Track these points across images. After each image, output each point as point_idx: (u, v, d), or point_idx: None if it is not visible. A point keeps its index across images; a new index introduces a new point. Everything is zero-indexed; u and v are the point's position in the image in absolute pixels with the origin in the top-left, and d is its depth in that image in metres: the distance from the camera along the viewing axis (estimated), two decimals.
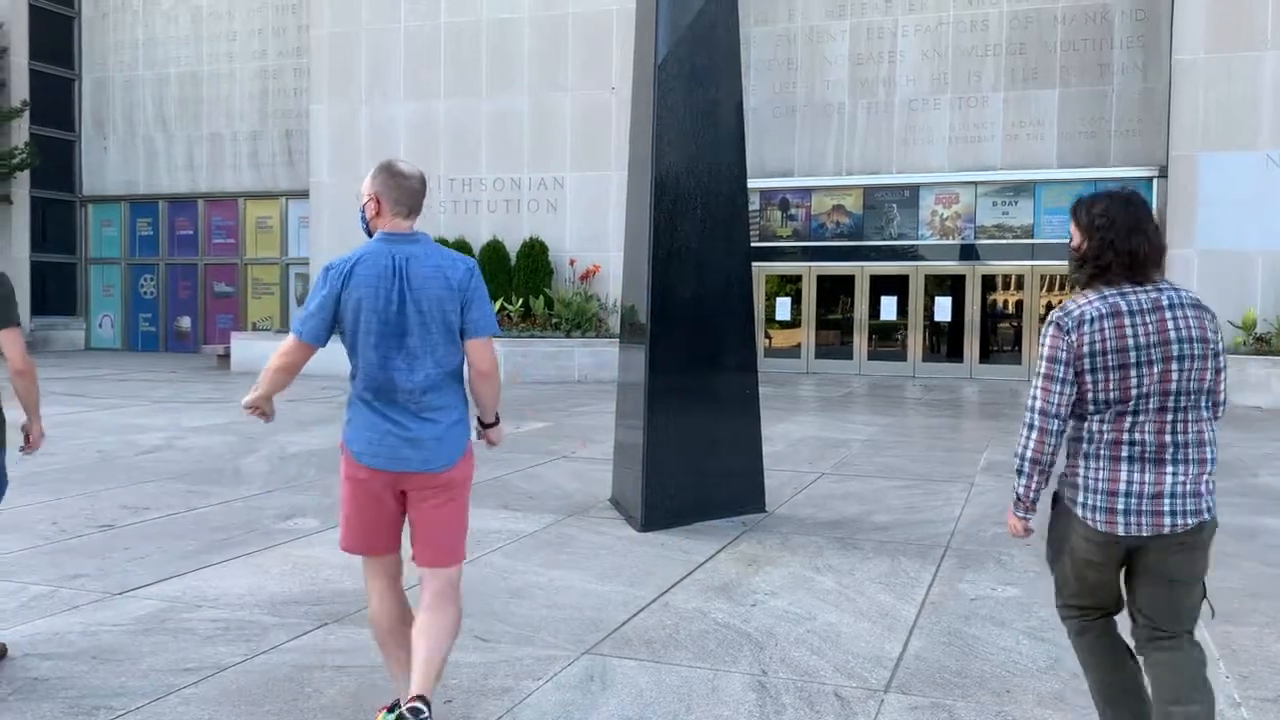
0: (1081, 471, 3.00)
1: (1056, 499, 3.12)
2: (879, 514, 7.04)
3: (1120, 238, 2.97)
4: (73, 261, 26.21)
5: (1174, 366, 2.90)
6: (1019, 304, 19.58)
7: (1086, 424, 2.98)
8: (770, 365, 19.70)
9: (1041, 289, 19.18)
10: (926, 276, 19.91)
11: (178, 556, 5.59)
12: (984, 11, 19.28)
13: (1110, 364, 2.91)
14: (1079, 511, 3.00)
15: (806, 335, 20.59)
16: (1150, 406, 2.92)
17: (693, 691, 3.84)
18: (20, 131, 23.91)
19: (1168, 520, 2.92)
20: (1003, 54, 19.19)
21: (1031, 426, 2.99)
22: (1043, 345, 3.01)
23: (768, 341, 20.63)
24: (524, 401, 13.82)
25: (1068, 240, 3.17)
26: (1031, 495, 3.07)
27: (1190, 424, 2.94)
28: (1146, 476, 2.93)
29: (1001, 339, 19.82)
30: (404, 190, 3.31)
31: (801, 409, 13.78)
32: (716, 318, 6.87)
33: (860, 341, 20.31)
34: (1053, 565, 3.21)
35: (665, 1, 6.67)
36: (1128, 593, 3.10)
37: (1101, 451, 2.96)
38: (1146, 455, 2.93)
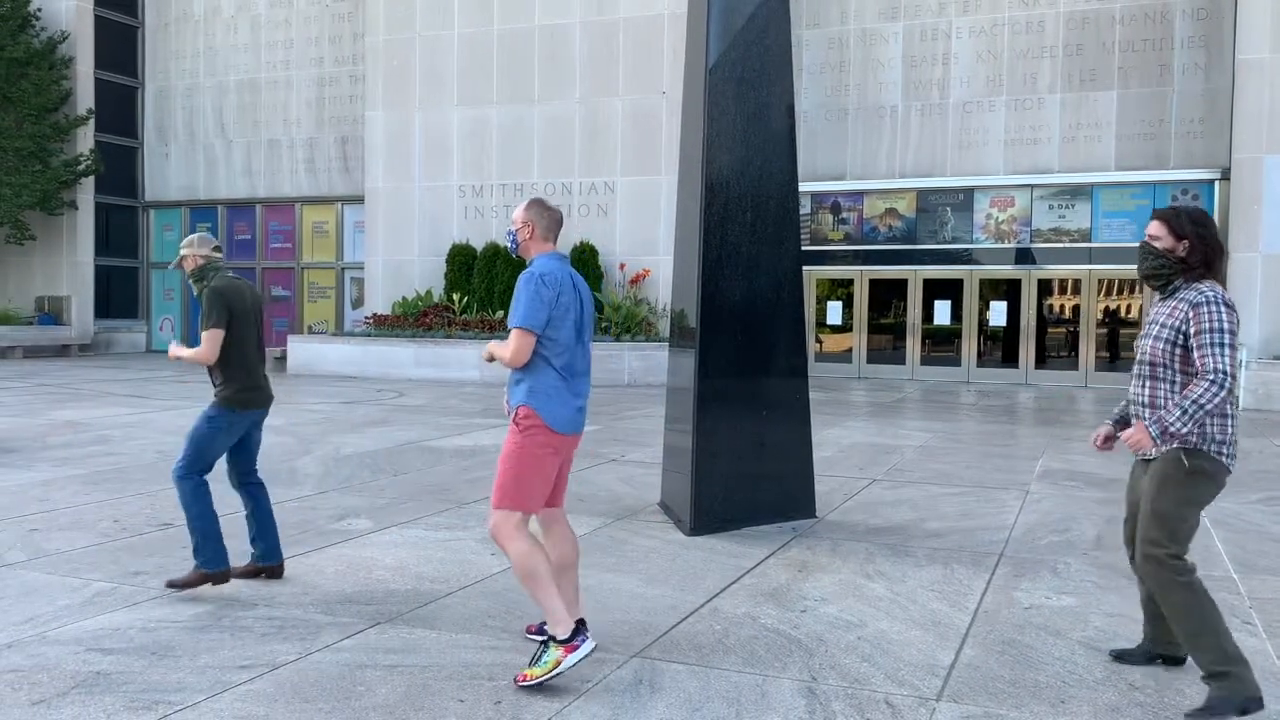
0: (1221, 425, 3.65)
1: (1193, 454, 3.63)
2: (931, 521, 6.96)
3: (1217, 241, 3.65)
4: (135, 265, 26.82)
5: None
6: (1076, 309, 19.26)
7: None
8: (821, 370, 19.58)
9: (1099, 294, 18.85)
10: (981, 281, 19.67)
11: (233, 556, 5.67)
12: (1040, 13, 19.01)
13: None
14: (1222, 459, 3.67)
15: (858, 340, 20.44)
16: None
17: (742, 697, 3.83)
18: (86, 139, 24.54)
19: None
20: (1059, 55, 18.91)
21: (1224, 386, 3.49)
22: (1223, 319, 3.51)
23: (818, 346, 20.50)
24: None
25: (1144, 242, 3.75)
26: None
27: None
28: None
29: (1058, 344, 19.50)
30: (552, 220, 4.14)
31: (853, 414, 13.67)
32: (767, 322, 6.83)
33: (913, 346, 20.10)
34: (1191, 516, 3.71)
35: (717, 5, 6.66)
36: None
37: (1227, 410, 3.62)
38: None
